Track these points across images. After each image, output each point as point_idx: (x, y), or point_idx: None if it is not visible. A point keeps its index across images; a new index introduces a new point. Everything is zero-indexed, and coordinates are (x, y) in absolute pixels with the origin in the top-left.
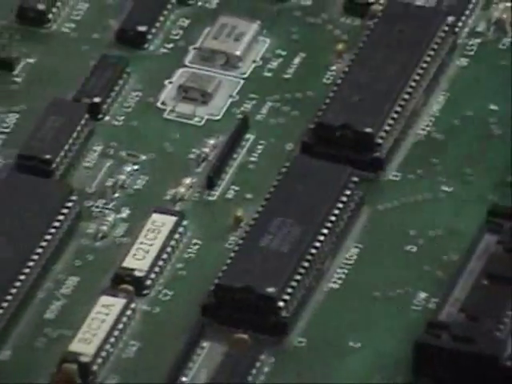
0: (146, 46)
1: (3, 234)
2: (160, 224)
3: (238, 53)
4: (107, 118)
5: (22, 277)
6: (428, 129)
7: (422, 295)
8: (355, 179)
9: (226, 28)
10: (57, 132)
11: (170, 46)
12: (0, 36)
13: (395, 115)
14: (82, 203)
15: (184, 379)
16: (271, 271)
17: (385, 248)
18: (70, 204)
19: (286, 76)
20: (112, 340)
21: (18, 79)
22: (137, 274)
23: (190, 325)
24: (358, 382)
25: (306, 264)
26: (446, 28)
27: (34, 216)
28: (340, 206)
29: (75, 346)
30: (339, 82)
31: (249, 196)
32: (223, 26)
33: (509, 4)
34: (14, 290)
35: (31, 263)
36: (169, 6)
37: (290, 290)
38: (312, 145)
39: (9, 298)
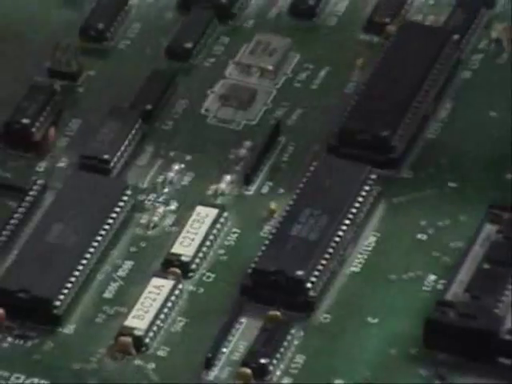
0: (192, 60)
1: (68, 224)
2: (204, 215)
3: (270, 67)
4: (158, 123)
5: (85, 261)
6: (437, 132)
7: (432, 278)
8: (373, 176)
9: (261, 44)
10: (114, 135)
11: (212, 60)
12: (65, 52)
13: (408, 121)
14: (136, 197)
15: (224, 350)
16: (300, 256)
17: (399, 236)
18: (125, 198)
19: (313, 87)
20: (162, 316)
21: (81, 89)
22: (183, 258)
23: (230, 303)
24: (376, 353)
25: (331, 250)
26: (452, 45)
27: (95, 208)
28: (360, 199)
29: (130, 322)
30: (359, 92)
31: (281, 191)
32: (258, 42)
33: (506, 24)
34: (77, 273)
35: (92, 249)
36: (211, 26)
37: (316, 273)
38: (336, 146)
39: (73, 279)
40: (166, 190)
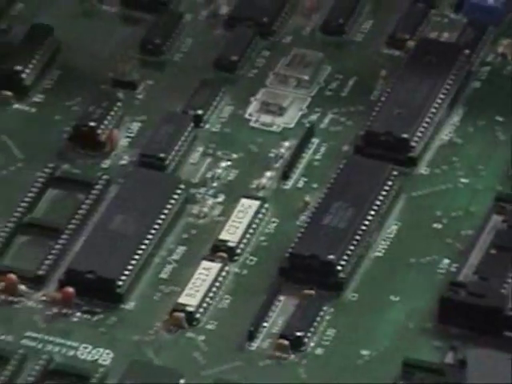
0: (237, 71)
1: (129, 215)
2: (247, 206)
3: (305, 77)
4: (207, 126)
5: (143, 246)
6: (450, 135)
7: (446, 261)
8: (395, 173)
9: (297, 58)
10: (169, 136)
11: (255, 71)
12: (127, 63)
13: (425, 124)
14: (189, 191)
15: (265, 324)
16: (331, 243)
17: (417, 225)
18: (179, 191)
19: (343, 94)
20: (210, 294)
21: (140, 96)
22: (230, 244)
23: (269, 283)
24: (396, 327)
25: (358, 237)
26: (464, 59)
27: (152, 200)
28: (383, 193)
29: (183, 299)
30: (383, 99)
31: (314, 185)
32: (295, 56)
33: (510, 40)
34: (137, 257)
35: (150, 236)
36: (254, 41)
37: (345, 257)
38: (362, 147)
39: (133, 262)
40: (214, 184)
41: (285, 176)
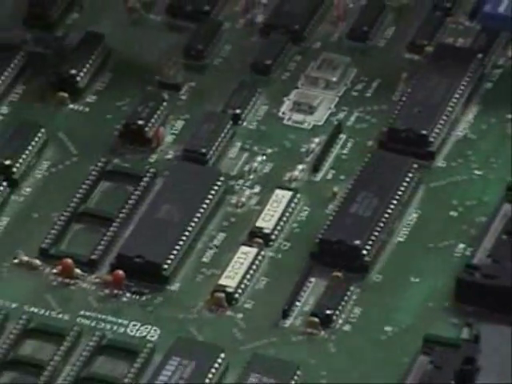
0: (271, 74)
1: (174, 204)
2: (281, 197)
3: (334, 79)
4: (244, 123)
5: (187, 233)
6: (465, 131)
7: (461, 246)
8: (415, 166)
9: (326, 61)
10: (210, 133)
11: (288, 74)
12: (172, 67)
13: (442, 122)
14: (228, 182)
15: (297, 303)
16: (357, 229)
17: (435, 213)
18: (219, 183)
19: (368, 95)
20: (248, 277)
21: (184, 97)
22: (265, 231)
23: (301, 266)
24: (417, 306)
25: (382, 224)
26: (477, 62)
27: (195, 191)
28: (404, 184)
29: (223, 281)
30: (404, 99)
31: (342, 177)
32: (324, 60)
33: None
34: (181, 243)
35: (193, 224)
36: (287, 47)
37: (370, 242)
38: (386, 142)
39: (178, 247)
40: (251, 176)
41: (315, 169)
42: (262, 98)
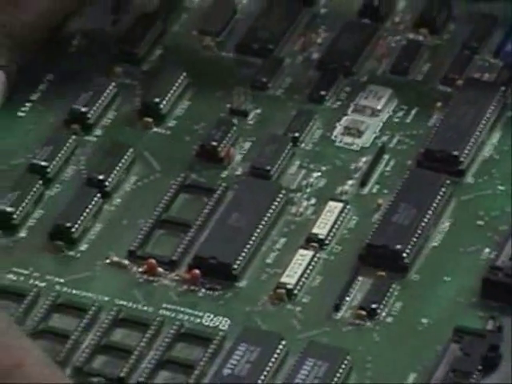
0: (325, 102)
1: (242, 213)
2: (333, 207)
3: (379, 107)
4: (302, 145)
5: (253, 238)
6: (490, 152)
7: (487, 250)
8: (448, 182)
9: (372, 92)
10: (273, 153)
11: (339, 103)
12: (241, 96)
13: (471, 144)
14: (288, 195)
15: (347, 298)
16: (398, 235)
17: (464, 222)
18: (281, 195)
19: (407, 121)
20: (305, 275)
21: (251, 122)
22: (320, 236)
23: (351, 267)
24: (449, 301)
25: (419, 231)
26: (501, 93)
27: (260, 202)
28: (438, 197)
29: (284, 279)
30: (438, 125)
31: (385, 191)
32: (371, 91)
33: None
34: (248, 246)
35: (258, 230)
36: (339, 79)
37: (409, 247)
38: (423, 161)
39: (245, 250)
40: (308, 190)
41: (362, 184)
42: (318, 123)
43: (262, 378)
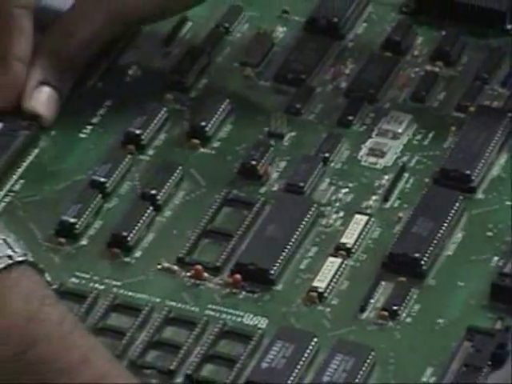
0: (352, 127)
1: (279, 225)
2: (359, 220)
3: (400, 131)
4: (332, 164)
5: (288, 247)
6: (498, 172)
7: (495, 258)
8: (461, 197)
9: (393, 118)
10: (306, 171)
11: (365, 127)
12: (278, 120)
13: (482, 164)
14: (319, 208)
15: (371, 301)
16: (417, 245)
17: (476, 233)
18: (313, 209)
19: (425, 143)
20: (334, 280)
21: (286, 144)
22: (347, 245)
23: (374, 273)
24: (462, 303)
25: (436, 241)
26: (508, 119)
27: (295, 215)
28: (453, 211)
29: (316, 283)
30: (453, 147)
31: (405, 205)
32: (392, 116)
33: None
34: (284, 253)
35: (293, 239)
36: (363, 106)
37: (427, 255)
38: (439, 179)
39: (281, 257)
40: (336, 204)
41: (385, 199)
42: (345, 145)
43: (296, 371)
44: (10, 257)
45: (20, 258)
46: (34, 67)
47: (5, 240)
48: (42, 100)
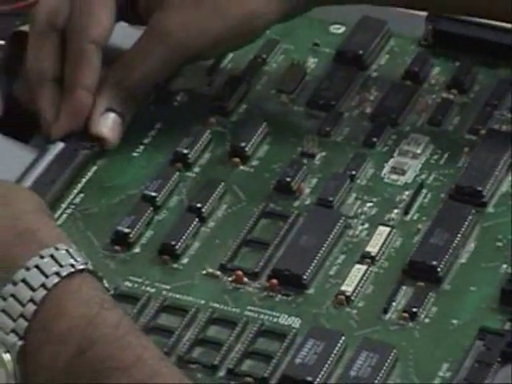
0: (376, 147)
1: (311, 235)
2: (383, 231)
3: (418, 151)
4: (358, 181)
5: (319, 255)
6: (507, 188)
7: (504, 266)
8: (473, 211)
9: (413, 140)
10: (335, 187)
11: (387, 147)
12: (309, 142)
13: (492, 181)
14: (347, 221)
15: (393, 303)
16: (434, 253)
17: (486, 243)
18: (341, 221)
19: (441, 162)
20: (361, 285)
21: (317, 162)
22: (372, 254)
23: (396, 278)
24: (474, 306)
25: (451, 250)
26: None
27: (324, 226)
28: (466, 223)
29: (343, 287)
30: (466, 166)
31: (424, 218)
32: (412, 138)
33: None
34: (315, 261)
35: (323, 248)
36: (386, 130)
37: (443, 263)
38: (453, 195)
39: (313, 264)
40: (362, 217)
41: (405, 212)
42: (370, 163)
43: (326, 366)
44: (72, 265)
45: (81, 267)
46: (101, 96)
47: (67, 250)
48: (108, 125)
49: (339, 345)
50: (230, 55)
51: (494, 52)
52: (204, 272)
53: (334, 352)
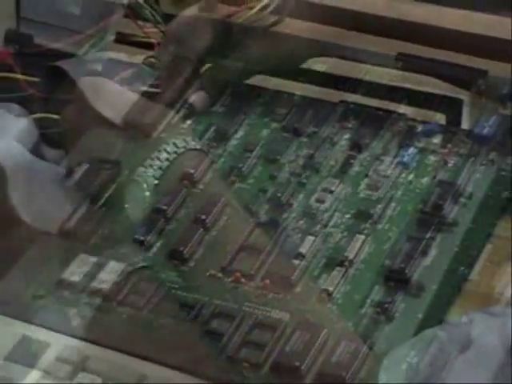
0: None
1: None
2: (358, 238)
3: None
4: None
5: (303, 262)
6: None
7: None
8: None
9: None
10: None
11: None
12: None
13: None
14: (329, 230)
15: (368, 301)
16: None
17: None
18: (323, 230)
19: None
20: (340, 284)
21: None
22: (349, 258)
23: (370, 280)
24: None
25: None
26: None
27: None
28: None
29: (326, 286)
30: None
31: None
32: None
33: None
34: (298, 269)
35: (307, 256)
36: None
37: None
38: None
39: (298, 269)
40: (341, 226)
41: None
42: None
43: (311, 353)
44: None
45: None
46: None
47: None
48: None
49: (322, 335)
50: None
51: None
52: (208, 274)
53: (318, 342)
